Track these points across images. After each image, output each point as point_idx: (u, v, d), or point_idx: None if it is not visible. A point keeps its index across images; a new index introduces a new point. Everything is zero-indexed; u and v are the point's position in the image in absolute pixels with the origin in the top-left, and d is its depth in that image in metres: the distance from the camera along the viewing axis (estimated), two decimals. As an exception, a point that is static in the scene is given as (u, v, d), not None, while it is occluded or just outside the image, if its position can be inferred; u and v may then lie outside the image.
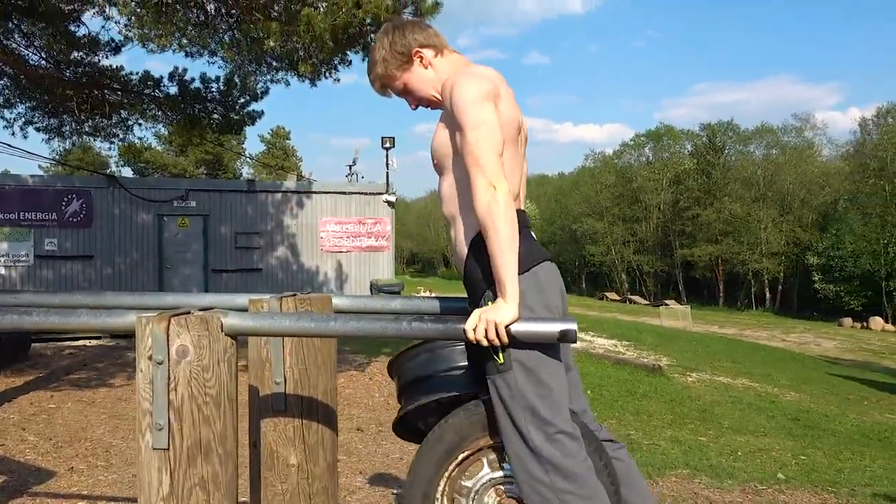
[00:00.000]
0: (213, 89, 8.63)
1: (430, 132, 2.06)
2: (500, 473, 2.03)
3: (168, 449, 1.72)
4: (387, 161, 16.00)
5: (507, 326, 1.75)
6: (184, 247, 13.56)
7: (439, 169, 2.05)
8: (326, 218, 14.54)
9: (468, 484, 2.06)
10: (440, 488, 2.05)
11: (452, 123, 1.93)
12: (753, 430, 7.33)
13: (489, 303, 1.84)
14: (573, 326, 1.74)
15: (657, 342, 16.97)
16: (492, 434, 2.00)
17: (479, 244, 1.89)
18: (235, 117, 8.90)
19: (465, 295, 2.09)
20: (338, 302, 2.34)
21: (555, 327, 1.75)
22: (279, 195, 14.32)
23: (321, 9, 6.40)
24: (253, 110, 9.16)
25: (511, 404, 1.85)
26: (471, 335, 1.76)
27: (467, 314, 1.82)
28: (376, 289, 13.91)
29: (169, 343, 1.71)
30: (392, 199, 14.84)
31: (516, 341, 1.77)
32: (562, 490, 1.81)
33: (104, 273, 12.92)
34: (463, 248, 1.99)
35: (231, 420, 1.82)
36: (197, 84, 8.52)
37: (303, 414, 2.25)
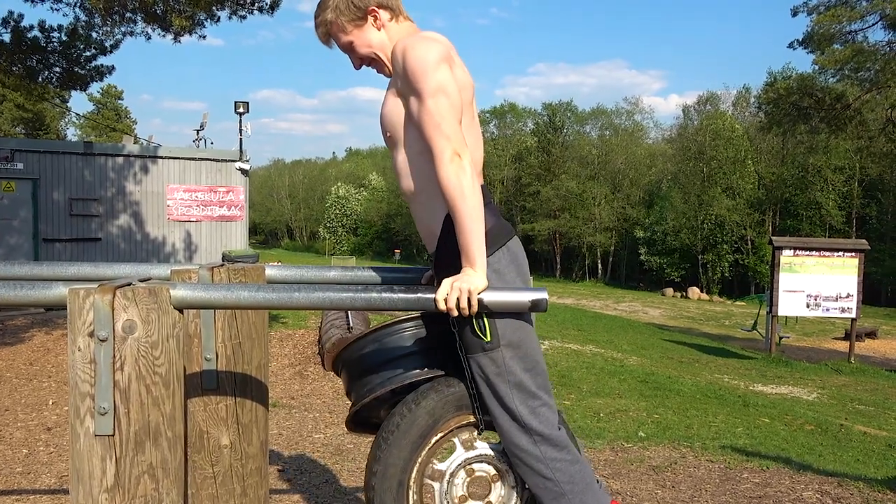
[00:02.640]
0: (55, 39, 7.77)
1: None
2: (473, 453, 1.98)
3: (113, 435, 1.55)
4: (240, 126, 15.27)
5: (478, 295, 1.73)
6: (9, 213, 12.24)
7: (392, 141, 1.93)
8: (174, 185, 13.67)
9: (441, 467, 1.98)
10: (413, 476, 1.95)
11: (406, 90, 1.82)
12: (609, 393, 7.81)
13: None
14: (544, 295, 1.74)
15: (507, 312, 17.53)
16: (464, 412, 1.94)
17: (450, 222, 1.82)
18: (81, 71, 8.08)
19: (392, 265, 2.00)
20: (271, 272, 2.21)
21: (526, 296, 1.74)
22: (120, 159, 13.25)
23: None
24: (101, 65, 8.38)
25: (498, 382, 1.83)
26: (441, 305, 1.71)
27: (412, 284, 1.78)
28: (229, 260, 13.32)
29: (114, 318, 1.54)
30: (246, 166, 14.22)
31: (487, 310, 1.75)
32: (552, 458, 1.85)
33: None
34: (432, 226, 1.91)
35: (180, 401, 1.68)
36: (35, 33, 7.63)
37: (236, 391, 2.12)
